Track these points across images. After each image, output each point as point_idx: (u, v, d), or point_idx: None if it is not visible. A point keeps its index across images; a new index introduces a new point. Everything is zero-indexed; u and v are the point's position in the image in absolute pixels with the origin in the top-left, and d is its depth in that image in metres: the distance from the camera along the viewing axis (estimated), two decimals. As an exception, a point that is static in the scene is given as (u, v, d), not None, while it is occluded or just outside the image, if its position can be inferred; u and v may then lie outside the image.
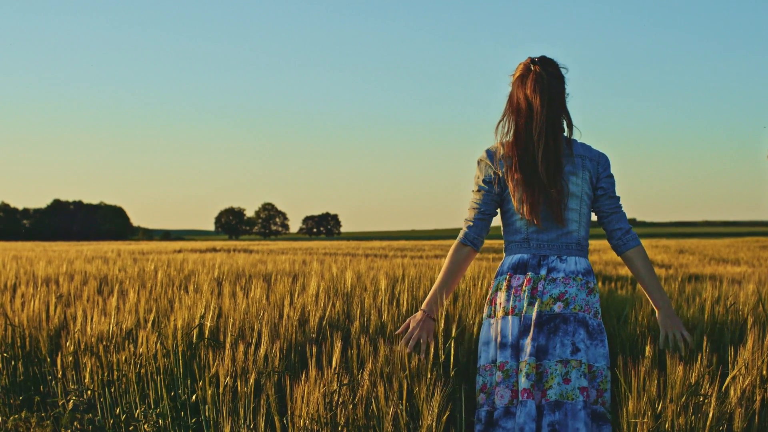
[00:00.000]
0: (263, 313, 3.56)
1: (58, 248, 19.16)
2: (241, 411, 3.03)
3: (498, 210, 2.89)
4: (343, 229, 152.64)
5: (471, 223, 2.85)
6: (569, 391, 2.63)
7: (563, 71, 2.83)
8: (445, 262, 2.88)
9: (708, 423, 2.46)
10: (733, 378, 2.62)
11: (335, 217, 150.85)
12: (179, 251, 14.88)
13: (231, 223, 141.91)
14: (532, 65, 2.80)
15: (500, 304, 2.77)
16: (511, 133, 2.80)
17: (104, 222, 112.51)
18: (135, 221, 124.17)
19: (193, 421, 3.47)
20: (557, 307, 2.70)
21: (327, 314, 3.69)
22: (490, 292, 2.86)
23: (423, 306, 2.85)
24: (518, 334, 2.70)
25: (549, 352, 2.67)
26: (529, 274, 2.75)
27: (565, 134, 2.82)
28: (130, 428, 3.71)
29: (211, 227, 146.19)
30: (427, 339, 2.82)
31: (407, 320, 2.86)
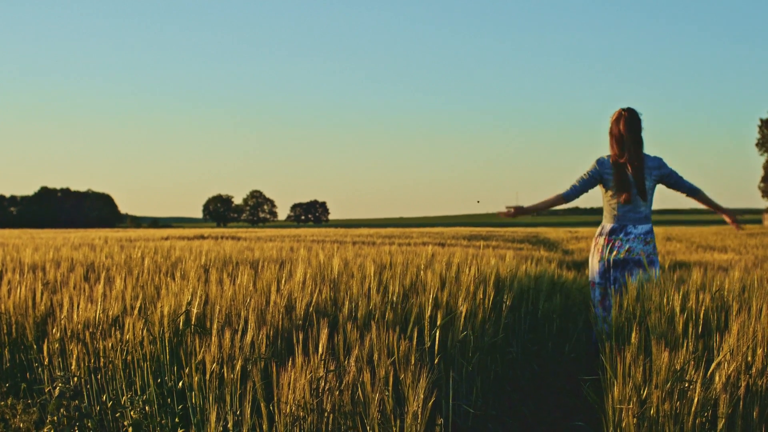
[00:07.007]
0: (250, 300, 3.55)
1: (45, 235, 19.04)
2: (228, 398, 3.03)
3: (591, 189, 5.05)
4: (331, 217, 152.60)
5: (571, 187, 4.98)
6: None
7: (641, 115, 4.97)
8: (547, 198, 5.00)
9: (693, 409, 2.47)
10: (719, 364, 2.63)
11: (323, 205, 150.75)
12: (166, 238, 14.80)
13: (219, 211, 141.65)
14: (623, 112, 4.93)
15: (599, 251, 4.98)
16: (614, 151, 4.94)
17: (92, 209, 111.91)
18: (123, 209, 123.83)
19: (180, 407, 3.46)
20: (624, 255, 4.86)
21: (314, 301, 3.68)
22: (594, 241, 5.07)
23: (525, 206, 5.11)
24: (603, 270, 4.94)
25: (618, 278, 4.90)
26: (614, 236, 4.92)
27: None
28: (117, 415, 3.71)
29: (199, 215, 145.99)
30: (512, 210, 5.06)
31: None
